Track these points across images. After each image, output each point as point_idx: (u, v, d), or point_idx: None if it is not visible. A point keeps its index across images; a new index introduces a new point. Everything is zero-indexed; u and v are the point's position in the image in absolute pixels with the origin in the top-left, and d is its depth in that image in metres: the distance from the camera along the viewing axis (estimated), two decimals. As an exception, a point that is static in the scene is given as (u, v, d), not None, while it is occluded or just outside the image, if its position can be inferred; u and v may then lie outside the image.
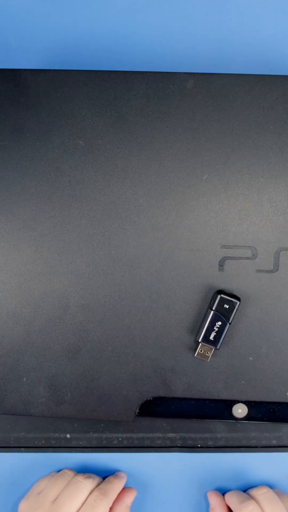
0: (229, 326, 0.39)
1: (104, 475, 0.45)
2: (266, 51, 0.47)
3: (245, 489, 0.45)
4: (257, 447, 0.45)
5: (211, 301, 0.40)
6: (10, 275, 0.40)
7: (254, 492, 0.42)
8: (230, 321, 0.39)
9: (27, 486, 0.45)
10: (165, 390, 0.40)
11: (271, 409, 0.42)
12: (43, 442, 0.45)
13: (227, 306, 0.39)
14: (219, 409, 0.42)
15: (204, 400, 0.41)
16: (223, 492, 0.45)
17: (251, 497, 0.41)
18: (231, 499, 0.42)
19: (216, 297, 0.39)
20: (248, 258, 0.40)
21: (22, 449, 0.45)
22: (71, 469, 0.44)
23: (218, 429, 0.45)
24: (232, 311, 0.39)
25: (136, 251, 0.40)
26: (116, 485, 0.42)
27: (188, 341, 0.40)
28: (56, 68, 0.47)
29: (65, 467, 0.45)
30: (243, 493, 0.43)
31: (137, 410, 0.41)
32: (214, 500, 0.43)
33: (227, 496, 0.43)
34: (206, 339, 0.39)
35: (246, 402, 0.43)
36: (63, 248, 0.40)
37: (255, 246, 0.40)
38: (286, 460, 0.45)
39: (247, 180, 0.40)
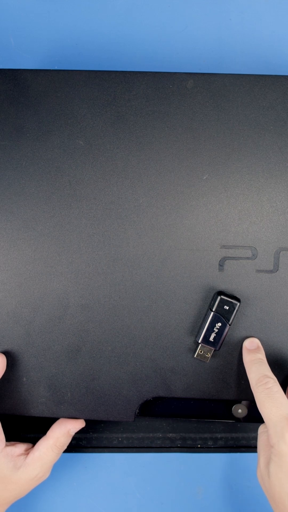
0: (229, 328, 0.39)
1: (104, 475, 0.45)
2: (266, 51, 0.47)
3: (246, 491, 0.45)
4: (257, 447, 0.45)
5: (211, 302, 0.40)
6: (10, 275, 0.40)
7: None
8: (230, 322, 0.39)
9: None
10: (165, 390, 0.40)
11: (271, 409, 0.42)
12: (43, 442, 0.45)
13: (227, 307, 0.39)
14: (219, 409, 0.42)
15: (204, 400, 0.41)
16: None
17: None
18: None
19: (216, 298, 0.39)
20: (248, 258, 0.40)
21: (22, 449, 0.45)
22: None
23: (218, 429, 0.45)
24: (232, 312, 0.39)
25: (136, 251, 0.40)
26: None
27: (188, 342, 0.40)
28: (56, 68, 0.47)
29: (65, 467, 0.45)
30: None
31: (137, 410, 0.41)
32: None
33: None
34: (205, 340, 0.39)
35: (246, 402, 0.43)
36: (63, 248, 0.40)
37: (255, 246, 0.40)
38: (286, 460, 0.45)
39: (247, 180, 0.40)
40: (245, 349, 0.40)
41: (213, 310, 0.39)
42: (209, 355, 0.40)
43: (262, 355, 0.39)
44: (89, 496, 0.45)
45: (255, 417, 0.43)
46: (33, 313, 0.40)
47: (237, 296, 0.40)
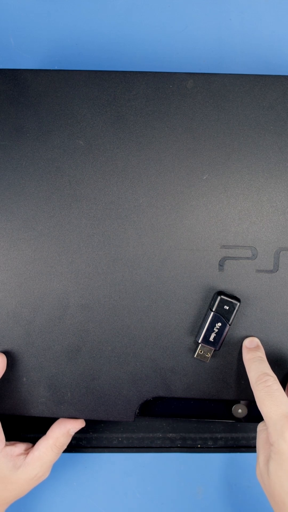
0: (229, 327, 0.39)
1: (104, 475, 0.45)
2: (266, 51, 0.47)
3: (245, 490, 0.45)
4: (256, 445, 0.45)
5: (211, 302, 0.40)
6: (10, 275, 0.40)
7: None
8: (230, 322, 0.39)
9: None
10: (165, 390, 0.40)
11: (271, 409, 0.42)
12: (43, 442, 0.45)
13: (227, 307, 0.39)
14: (219, 409, 0.42)
15: (204, 400, 0.41)
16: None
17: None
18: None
19: (216, 298, 0.39)
20: (248, 258, 0.40)
21: (22, 449, 0.45)
22: None
23: (218, 429, 0.45)
24: (232, 312, 0.39)
25: (136, 251, 0.40)
26: None
27: (188, 342, 0.40)
28: (56, 68, 0.47)
29: (65, 467, 0.45)
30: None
31: (137, 410, 0.41)
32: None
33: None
34: (205, 340, 0.39)
35: (246, 402, 0.43)
36: (63, 248, 0.40)
37: (255, 246, 0.40)
38: (286, 460, 0.45)
39: (247, 180, 0.40)
40: (245, 347, 0.40)
41: (213, 310, 0.39)
42: (209, 355, 0.40)
43: (262, 354, 0.39)
44: (89, 496, 0.45)
45: (255, 417, 0.43)
46: (33, 313, 0.40)
47: (237, 296, 0.40)
